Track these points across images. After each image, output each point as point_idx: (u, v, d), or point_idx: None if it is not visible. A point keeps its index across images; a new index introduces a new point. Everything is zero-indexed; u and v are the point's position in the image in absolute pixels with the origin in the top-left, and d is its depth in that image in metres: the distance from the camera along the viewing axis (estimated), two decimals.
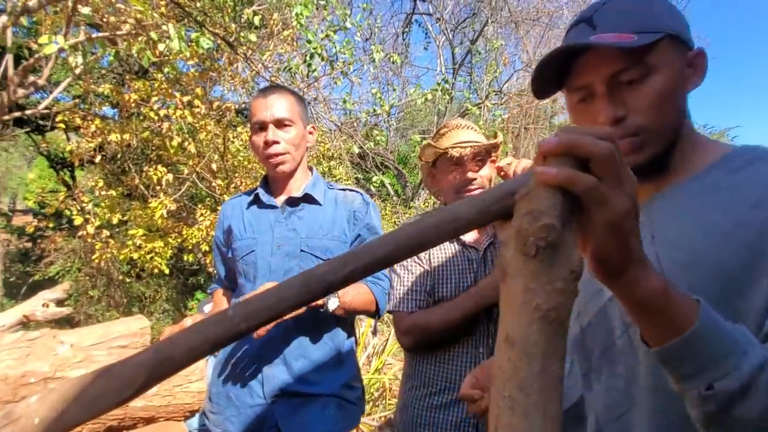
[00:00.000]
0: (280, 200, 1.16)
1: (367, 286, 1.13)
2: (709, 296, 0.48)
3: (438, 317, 1.06)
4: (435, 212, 0.43)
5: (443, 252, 1.14)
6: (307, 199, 1.15)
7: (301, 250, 1.09)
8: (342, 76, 4.15)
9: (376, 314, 1.17)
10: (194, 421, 1.88)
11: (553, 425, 0.32)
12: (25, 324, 1.24)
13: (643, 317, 0.43)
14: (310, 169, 1.24)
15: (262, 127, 1.11)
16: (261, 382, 1.02)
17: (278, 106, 1.11)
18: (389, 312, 1.16)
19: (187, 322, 0.94)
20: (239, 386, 1.02)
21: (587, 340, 0.61)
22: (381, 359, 3.08)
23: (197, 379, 0.79)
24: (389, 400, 2.88)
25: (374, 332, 3.50)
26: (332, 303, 1.05)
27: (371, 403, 2.82)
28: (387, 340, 3.45)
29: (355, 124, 4.66)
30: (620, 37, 0.53)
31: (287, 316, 1.08)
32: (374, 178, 4.18)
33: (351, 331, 1.19)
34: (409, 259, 1.14)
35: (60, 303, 1.34)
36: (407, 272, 1.15)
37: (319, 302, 1.05)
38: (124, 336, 0.93)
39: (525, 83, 6.88)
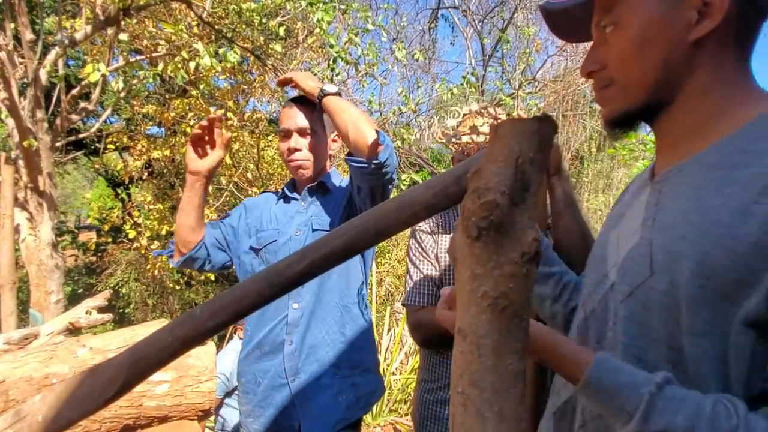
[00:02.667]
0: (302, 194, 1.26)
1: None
2: (688, 299, 0.44)
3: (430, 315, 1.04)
4: (394, 198, 0.40)
5: None
6: (322, 186, 1.23)
7: (314, 229, 1.16)
8: (368, 78, 4.17)
9: (375, 152, 1.00)
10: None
11: (510, 425, 0.29)
12: (72, 331, 1.33)
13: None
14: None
15: (287, 134, 1.20)
16: (282, 361, 1.08)
17: (302, 115, 1.19)
18: (403, 305, 1.16)
19: None
20: (264, 368, 1.10)
21: (589, 329, 0.56)
22: (417, 358, 3.05)
23: (207, 379, 0.81)
24: None
25: None
26: (330, 86, 1.10)
27: (408, 404, 2.79)
28: None
29: (384, 124, 4.67)
30: None
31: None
32: (403, 177, 4.16)
33: (370, 320, 1.22)
34: (420, 253, 1.12)
35: (102, 310, 1.43)
36: (418, 265, 1.13)
37: (315, 89, 1.11)
38: None
39: (560, 68, 6.58)
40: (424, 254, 1.12)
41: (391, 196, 1.18)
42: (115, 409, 0.76)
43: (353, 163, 1.03)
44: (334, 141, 1.28)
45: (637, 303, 0.49)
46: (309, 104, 1.20)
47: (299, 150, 1.19)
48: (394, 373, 2.95)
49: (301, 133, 1.19)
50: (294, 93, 1.26)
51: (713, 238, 0.43)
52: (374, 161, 0.98)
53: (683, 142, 0.51)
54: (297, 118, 1.19)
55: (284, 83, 1.22)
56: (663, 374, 0.43)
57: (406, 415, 2.68)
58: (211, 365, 0.83)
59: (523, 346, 0.30)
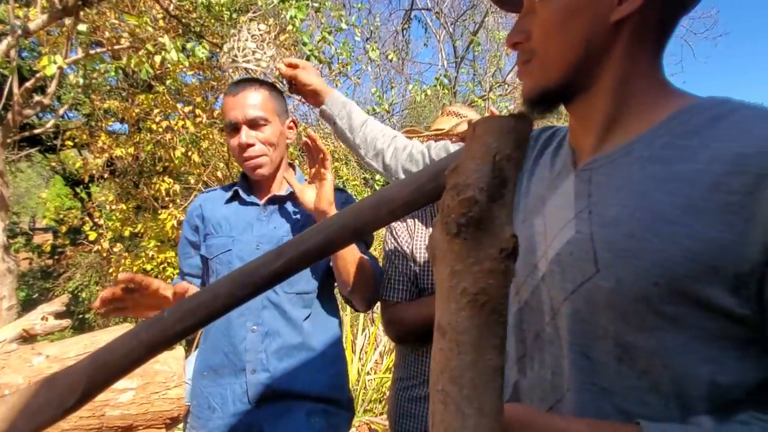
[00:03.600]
0: (262, 198, 1.11)
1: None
2: (638, 296, 0.44)
3: (411, 314, 1.04)
4: (371, 196, 0.40)
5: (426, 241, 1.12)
6: (292, 197, 1.09)
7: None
8: (341, 77, 4.14)
9: (371, 304, 1.06)
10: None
11: (489, 421, 0.29)
12: (26, 338, 1.25)
13: None
14: (292, 166, 1.18)
15: (235, 128, 1.03)
16: (245, 386, 0.98)
17: (250, 103, 1.02)
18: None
19: None
20: (221, 393, 0.99)
21: (524, 321, 0.54)
22: (391, 358, 3.05)
23: (175, 385, 0.78)
24: None
25: None
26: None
27: (383, 403, 2.79)
28: None
29: None
30: None
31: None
32: (379, 177, 4.17)
33: (340, 333, 1.13)
34: (396, 247, 1.12)
35: (59, 315, 1.35)
36: (394, 260, 1.11)
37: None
38: None
39: None
40: (399, 249, 1.11)
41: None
42: (75, 419, 0.71)
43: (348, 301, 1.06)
44: (290, 128, 1.12)
45: (582, 300, 0.48)
46: (256, 87, 1.04)
47: (252, 145, 1.02)
48: (368, 373, 2.94)
49: (251, 124, 1.02)
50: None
51: (667, 235, 0.43)
52: (369, 308, 1.06)
53: (603, 130, 0.51)
54: (245, 108, 1.01)
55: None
56: (709, 421, 0.42)
57: (381, 414, 2.68)
58: (180, 370, 0.79)
59: (501, 341, 0.31)
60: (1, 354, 0.76)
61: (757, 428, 0.41)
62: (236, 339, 0.99)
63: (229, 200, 1.11)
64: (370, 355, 3.09)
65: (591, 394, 0.47)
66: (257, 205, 1.09)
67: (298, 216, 1.09)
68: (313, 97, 1.10)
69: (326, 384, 1.03)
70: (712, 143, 0.44)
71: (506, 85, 6.80)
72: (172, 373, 0.80)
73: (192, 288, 0.94)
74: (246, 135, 1.02)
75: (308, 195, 1.00)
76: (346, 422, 1.07)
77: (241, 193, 1.10)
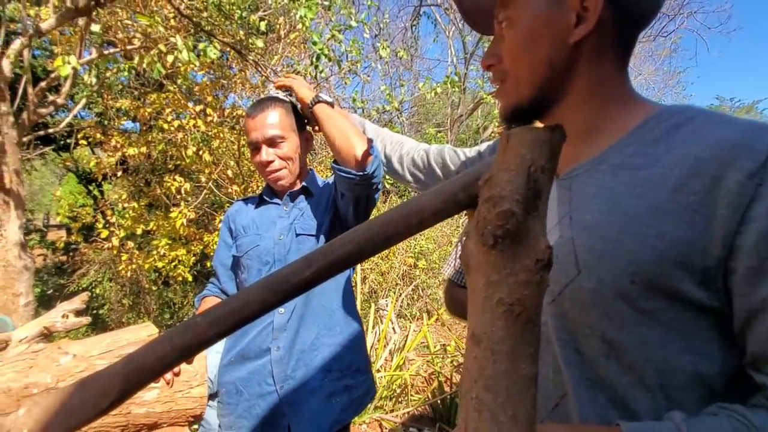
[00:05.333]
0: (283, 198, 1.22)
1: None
2: (617, 294, 0.46)
3: (461, 296, 1.09)
4: (402, 205, 0.40)
5: None
6: (306, 191, 1.20)
7: (297, 234, 1.12)
8: (351, 75, 4.14)
9: (363, 163, 0.96)
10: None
11: (523, 429, 0.29)
12: (46, 336, 1.28)
13: None
14: (310, 170, 1.28)
15: (256, 147, 1.13)
16: (269, 366, 1.05)
17: (267, 124, 1.11)
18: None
19: None
20: (247, 375, 1.06)
21: None
22: (402, 355, 3.06)
23: (198, 384, 0.79)
24: (411, 396, 2.86)
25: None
26: (325, 96, 1.08)
27: (393, 400, 2.81)
28: (407, 336, 3.43)
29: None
30: None
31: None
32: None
33: (359, 320, 1.20)
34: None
35: (79, 313, 1.38)
36: (460, 241, 1.20)
37: (308, 97, 1.10)
38: (132, 344, 0.95)
39: None
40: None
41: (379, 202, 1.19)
42: (102, 418, 0.73)
43: (340, 173, 0.99)
44: (308, 139, 1.22)
45: (568, 301, 0.51)
46: (272, 107, 1.13)
47: (272, 161, 1.13)
48: (379, 371, 2.96)
49: (271, 143, 1.12)
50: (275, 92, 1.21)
51: (638, 236, 0.46)
52: (361, 173, 0.95)
53: (578, 141, 0.55)
54: (264, 129, 1.11)
55: (281, 89, 1.18)
56: (679, 415, 0.44)
57: (392, 411, 2.70)
58: (202, 369, 0.81)
59: (535, 351, 0.31)
60: (28, 353, 0.78)
61: (725, 418, 0.42)
62: (264, 321, 1.08)
63: (257, 205, 1.24)
64: (380, 352, 3.11)
65: (587, 388, 0.50)
66: (278, 204, 1.21)
67: (310, 205, 1.19)
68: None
69: (348, 358, 1.10)
70: (674, 149, 0.47)
71: None
72: (194, 372, 0.82)
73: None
74: (266, 153, 1.13)
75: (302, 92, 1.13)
76: (367, 390, 1.14)
77: (265, 197, 1.24)
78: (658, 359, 0.46)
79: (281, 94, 1.18)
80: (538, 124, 0.47)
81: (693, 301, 0.44)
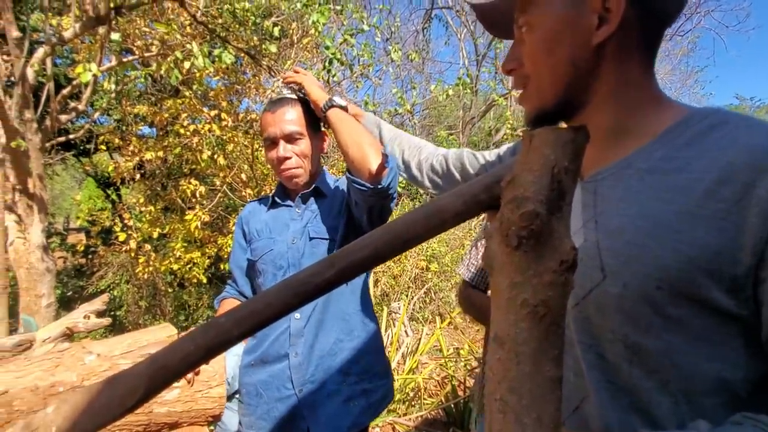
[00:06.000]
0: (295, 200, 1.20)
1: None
2: (644, 300, 0.45)
3: (478, 299, 1.09)
4: (422, 206, 0.41)
5: None
6: (317, 192, 1.18)
7: (311, 238, 1.11)
8: (363, 78, 4.17)
9: (378, 176, 0.92)
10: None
11: (547, 431, 0.29)
12: (69, 336, 1.31)
13: None
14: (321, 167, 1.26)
15: (273, 142, 1.11)
16: (288, 371, 1.04)
17: (286, 120, 1.10)
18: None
19: None
20: (267, 378, 1.06)
21: None
22: (415, 359, 3.05)
23: (217, 384, 0.81)
24: (424, 399, 2.84)
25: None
26: (339, 99, 1.05)
27: (406, 404, 2.80)
28: (420, 339, 3.42)
29: None
30: None
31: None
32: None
33: (376, 323, 1.20)
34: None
35: (100, 314, 1.41)
36: (479, 247, 1.18)
37: (321, 99, 1.07)
38: (151, 344, 0.96)
39: None
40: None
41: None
42: (125, 416, 0.75)
43: (353, 184, 0.96)
44: (323, 140, 1.20)
45: (592, 306, 0.50)
46: (292, 104, 1.12)
47: (289, 158, 1.10)
48: None
49: (288, 139, 1.09)
50: (288, 92, 1.19)
51: (665, 242, 0.45)
52: (376, 186, 0.91)
53: (604, 144, 0.54)
54: (282, 124, 1.08)
55: (291, 83, 1.15)
56: (705, 425, 0.43)
57: (405, 414, 2.69)
58: (221, 370, 0.82)
59: (560, 353, 0.31)
60: (54, 352, 0.80)
61: (750, 427, 0.41)
62: (280, 326, 1.07)
63: (269, 208, 1.22)
64: (393, 355, 3.10)
65: (608, 392, 0.49)
66: (290, 206, 1.19)
67: (322, 208, 1.17)
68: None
69: (366, 361, 1.10)
70: (705, 153, 0.45)
71: None
72: (214, 372, 0.83)
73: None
74: (283, 149, 1.10)
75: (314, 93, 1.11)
76: (385, 394, 1.13)
77: (277, 199, 1.21)
78: (682, 365, 0.45)
79: (290, 93, 1.16)
80: (562, 125, 0.47)
81: (720, 309, 0.43)
